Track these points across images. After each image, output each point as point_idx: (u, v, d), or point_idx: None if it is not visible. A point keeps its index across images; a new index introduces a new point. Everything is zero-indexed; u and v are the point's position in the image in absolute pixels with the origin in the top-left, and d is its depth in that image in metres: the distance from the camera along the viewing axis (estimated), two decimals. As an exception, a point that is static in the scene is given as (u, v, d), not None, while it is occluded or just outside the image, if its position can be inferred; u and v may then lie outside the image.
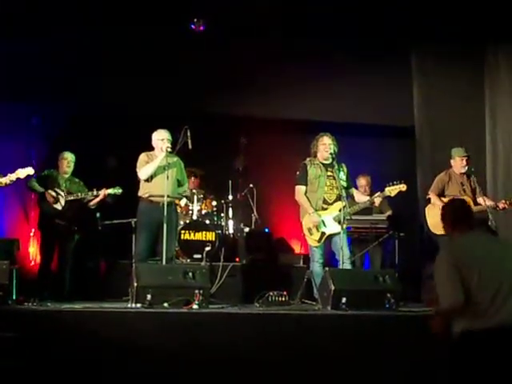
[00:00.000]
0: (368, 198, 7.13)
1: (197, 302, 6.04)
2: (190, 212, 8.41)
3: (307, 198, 6.91)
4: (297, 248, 9.14)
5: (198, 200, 8.46)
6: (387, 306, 6.28)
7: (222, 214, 8.69)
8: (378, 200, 6.98)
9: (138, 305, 6.00)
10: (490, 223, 7.13)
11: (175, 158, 7.10)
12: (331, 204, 6.92)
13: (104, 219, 8.07)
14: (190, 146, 7.18)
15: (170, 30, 8.44)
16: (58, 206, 7.29)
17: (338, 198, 6.88)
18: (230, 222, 8.77)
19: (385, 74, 9.11)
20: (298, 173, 7.01)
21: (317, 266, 6.82)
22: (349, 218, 6.86)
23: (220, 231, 8.42)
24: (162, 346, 5.36)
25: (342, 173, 7.00)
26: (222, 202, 8.71)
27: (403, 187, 6.90)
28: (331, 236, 6.85)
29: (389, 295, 6.32)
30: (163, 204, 6.70)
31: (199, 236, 8.07)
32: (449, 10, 8.28)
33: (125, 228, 7.80)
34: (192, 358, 5.36)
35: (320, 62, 8.99)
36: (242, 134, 8.93)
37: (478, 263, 3.75)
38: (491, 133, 9.16)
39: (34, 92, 8.39)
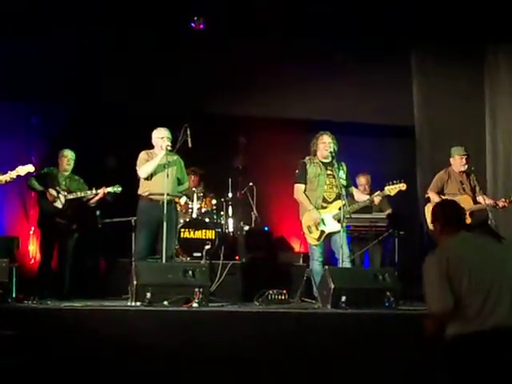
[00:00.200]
0: (367, 196, 7.13)
1: (197, 301, 6.04)
2: (190, 210, 8.42)
3: (306, 196, 6.92)
4: (296, 246, 9.16)
5: (198, 198, 8.47)
6: (387, 304, 6.28)
7: (222, 213, 8.70)
8: (377, 199, 6.98)
9: (138, 303, 6.00)
10: (489, 222, 7.15)
11: (175, 157, 7.11)
12: (331, 203, 6.92)
13: (104, 217, 8.08)
14: (189, 145, 7.19)
15: (169, 29, 8.44)
16: (58, 205, 7.28)
17: (338, 197, 6.88)
18: (230, 221, 8.78)
19: (385, 74, 9.12)
20: (297, 171, 7.01)
21: (316, 265, 6.82)
22: (348, 216, 6.85)
23: (220, 229, 8.43)
24: (161, 344, 5.36)
25: (341, 171, 7.00)
26: (222, 200, 8.72)
27: (403, 186, 6.90)
28: (331, 234, 6.85)
29: (388, 294, 6.32)
30: (163, 202, 6.70)
31: (199, 234, 8.07)
32: (449, 9, 8.29)
33: (125, 226, 7.80)
34: (192, 356, 5.35)
35: (320, 62, 9.00)
36: (242, 133, 8.94)
37: (467, 265, 3.68)
38: (491, 132, 9.17)
39: (34, 92, 8.41)
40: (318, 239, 6.84)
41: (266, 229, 9.25)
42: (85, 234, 7.59)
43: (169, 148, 6.91)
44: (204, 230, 8.11)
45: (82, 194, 7.32)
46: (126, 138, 8.22)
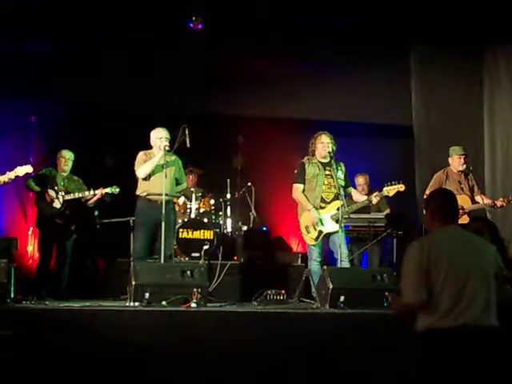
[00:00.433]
0: (366, 197, 7.13)
1: (195, 301, 6.04)
2: (188, 210, 8.42)
3: (305, 196, 6.91)
4: (295, 246, 9.16)
5: (197, 198, 8.47)
6: (385, 304, 6.28)
7: (220, 213, 8.71)
8: (375, 200, 6.98)
9: (136, 303, 6.00)
10: (487, 221, 7.14)
11: (173, 157, 7.10)
12: (329, 203, 6.92)
13: (102, 218, 8.09)
14: (188, 145, 7.17)
15: (169, 29, 8.44)
16: (56, 205, 7.28)
17: (336, 197, 6.88)
18: (228, 221, 8.79)
19: (384, 74, 9.13)
20: (296, 171, 7.01)
21: (315, 265, 6.82)
22: (347, 216, 6.85)
23: (218, 230, 8.45)
24: (160, 344, 5.36)
25: (340, 172, 6.99)
26: (220, 200, 8.73)
27: (401, 187, 6.90)
28: (329, 235, 6.86)
29: (387, 293, 6.30)
30: (161, 202, 6.70)
31: (197, 234, 8.08)
32: (448, 10, 8.28)
33: (123, 226, 7.82)
34: (190, 356, 5.36)
35: (320, 62, 8.99)
36: (241, 133, 8.94)
37: (447, 260, 3.63)
38: (490, 132, 9.17)
39: (34, 92, 8.40)
40: (316, 239, 6.84)
41: (265, 229, 9.26)
42: (83, 235, 7.60)
43: (167, 148, 6.91)
44: (202, 231, 8.11)
45: (80, 195, 7.31)
46: (125, 138, 8.21)
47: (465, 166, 7.56)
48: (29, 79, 8.30)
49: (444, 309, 3.62)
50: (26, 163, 6.89)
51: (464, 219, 6.91)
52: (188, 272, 6.24)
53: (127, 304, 6.13)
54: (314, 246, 6.88)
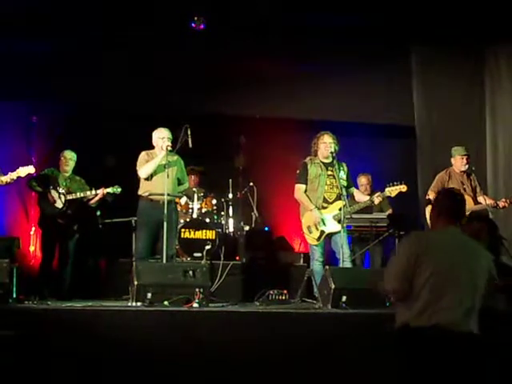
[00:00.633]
0: (368, 197, 7.13)
1: (197, 301, 6.04)
2: (190, 210, 8.41)
3: (307, 196, 6.91)
4: (297, 246, 9.15)
5: (199, 198, 8.46)
6: (387, 304, 6.27)
7: (222, 213, 8.69)
8: (377, 200, 6.99)
9: (139, 303, 6.00)
10: (489, 221, 7.14)
11: (175, 157, 7.10)
12: (331, 203, 6.92)
13: (104, 218, 8.09)
14: (190, 145, 7.17)
15: (170, 29, 8.44)
16: (58, 205, 7.28)
17: (338, 197, 6.89)
18: (230, 221, 8.77)
19: (384, 74, 9.12)
20: (298, 171, 7.01)
21: (317, 265, 6.82)
22: (349, 217, 6.85)
23: (220, 230, 8.43)
24: (162, 344, 5.35)
25: (342, 172, 6.99)
26: (222, 200, 8.71)
27: (403, 188, 6.90)
28: (331, 235, 6.86)
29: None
30: (163, 202, 6.70)
31: (199, 234, 8.07)
32: (449, 9, 8.28)
33: (125, 226, 7.81)
34: (192, 356, 5.35)
35: (320, 62, 8.99)
36: (242, 133, 8.93)
37: (436, 260, 3.64)
38: (492, 132, 9.17)
39: (35, 92, 8.40)
40: (318, 239, 6.84)
41: (267, 229, 9.26)
42: (85, 235, 7.60)
43: (169, 148, 6.90)
44: (204, 231, 8.10)
45: (82, 195, 7.31)
46: (126, 138, 8.21)
47: (467, 166, 7.57)
48: (29, 79, 8.30)
49: (421, 304, 3.62)
50: (28, 164, 6.89)
51: (464, 220, 6.90)
52: (190, 272, 6.24)
53: (129, 304, 6.13)
54: (316, 246, 6.88)
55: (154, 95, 8.70)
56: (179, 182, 7.18)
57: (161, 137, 6.97)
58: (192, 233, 8.06)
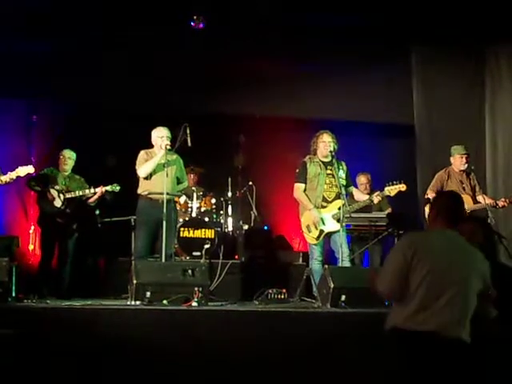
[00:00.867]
0: (367, 196, 7.13)
1: (196, 300, 6.05)
2: (190, 209, 8.42)
3: (306, 195, 6.91)
4: (296, 245, 9.15)
5: (198, 197, 8.47)
6: (387, 303, 6.27)
7: (222, 212, 8.70)
8: (376, 199, 6.99)
9: (138, 302, 6.01)
10: (489, 221, 7.13)
11: (174, 156, 7.10)
12: (330, 202, 6.92)
13: (103, 217, 8.08)
14: (189, 144, 7.17)
15: (170, 29, 8.44)
16: (58, 204, 7.28)
17: (337, 196, 6.89)
18: (230, 220, 8.78)
19: (385, 74, 9.12)
20: (297, 170, 7.01)
21: (316, 264, 6.82)
22: (348, 216, 6.85)
23: (219, 229, 8.44)
24: (161, 343, 5.35)
25: (341, 171, 7.00)
26: (222, 199, 8.72)
27: (403, 187, 6.90)
28: (330, 234, 6.86)
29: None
30: (162, 201, 6.70)
31: (198, 233, 8.07)
32: (449, 9, 8.28)
33: (124, 225, 7.81)
34: (191, 355, 5.35)
35: (320, 62, 8.99)
36: (242, 132, 8.94)
37: (431, 263, 3.61)
38: (491, 132, 9.16)
39: (35, 91, 8.40)
40: (317, 238, 6.84)
41: (266, 228, 9.26)
42: (84, 234, 7.60)
43: (168, 147, 6.91)
44: (203, 229, 8.11)
45: (80, 193, 7.31)
46: (126, 138, 8.22)
47: (467, 165, 7.56)
48: (29, 79, 8.30)
49: (413, 308, 3.61)
50: (28, 163, 6.90)
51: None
52: (189, 271, 6.24)
53: (128, 303, 6.13)
54: (315, 245, 6.88)
55: (154, 95, 8.71)
56: (178, 181, 7.19)
57: (160, 136, 6.97)
58: (191, 232, 8.07)
